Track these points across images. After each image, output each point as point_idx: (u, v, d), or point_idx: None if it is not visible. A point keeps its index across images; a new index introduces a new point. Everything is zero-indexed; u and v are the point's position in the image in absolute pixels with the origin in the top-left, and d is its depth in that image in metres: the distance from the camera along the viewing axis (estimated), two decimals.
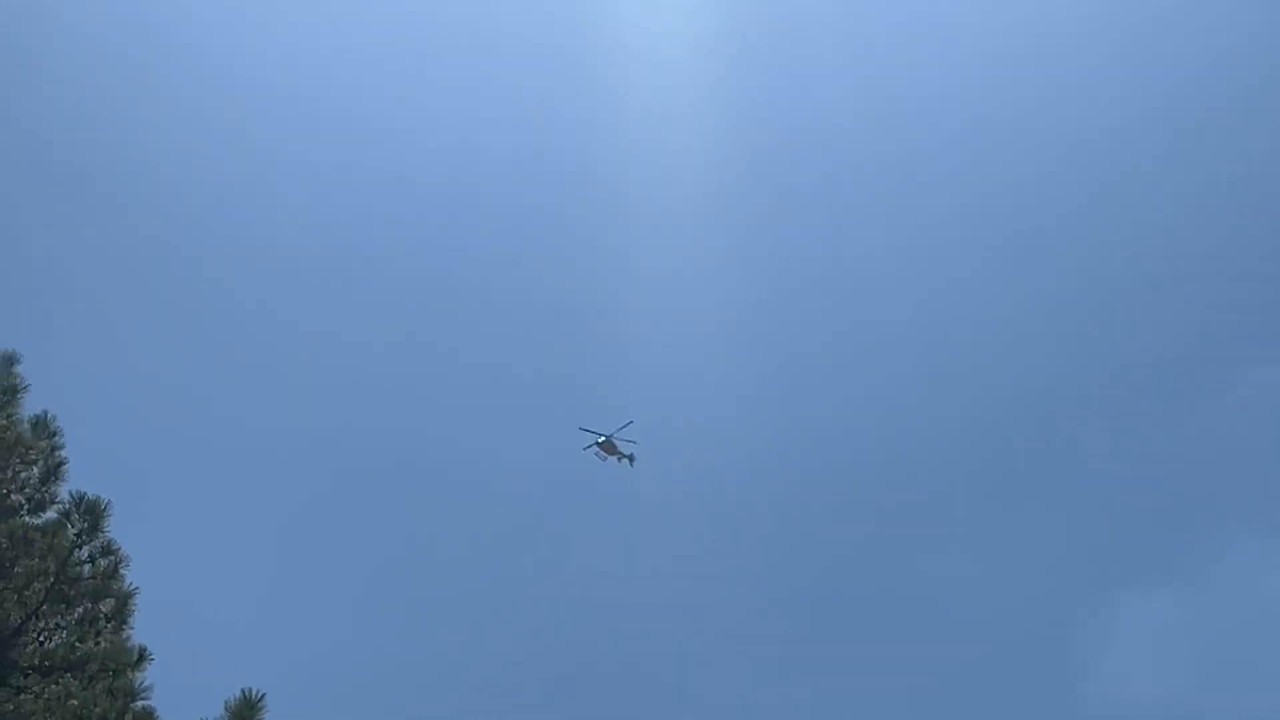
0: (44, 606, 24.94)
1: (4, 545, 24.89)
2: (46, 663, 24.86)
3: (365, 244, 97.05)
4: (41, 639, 25.16)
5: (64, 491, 26.14)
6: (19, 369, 25.97)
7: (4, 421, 25.70)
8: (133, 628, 25.55)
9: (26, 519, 25.83)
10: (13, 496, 26.00)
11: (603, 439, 75.72)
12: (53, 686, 24.41)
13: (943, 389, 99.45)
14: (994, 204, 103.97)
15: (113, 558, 25.40)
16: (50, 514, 26.07)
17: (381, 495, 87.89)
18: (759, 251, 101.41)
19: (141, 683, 25.19)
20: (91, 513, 25.21)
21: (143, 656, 25.29)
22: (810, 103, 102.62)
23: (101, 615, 25.26)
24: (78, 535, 25.24)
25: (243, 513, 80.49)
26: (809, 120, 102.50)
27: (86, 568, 25.29)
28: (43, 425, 26.03)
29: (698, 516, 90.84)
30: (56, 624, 25.20)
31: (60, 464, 26.28)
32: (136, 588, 25.67)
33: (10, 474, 25.97)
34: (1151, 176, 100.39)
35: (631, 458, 76.67)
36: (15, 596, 24.77)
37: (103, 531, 25.32)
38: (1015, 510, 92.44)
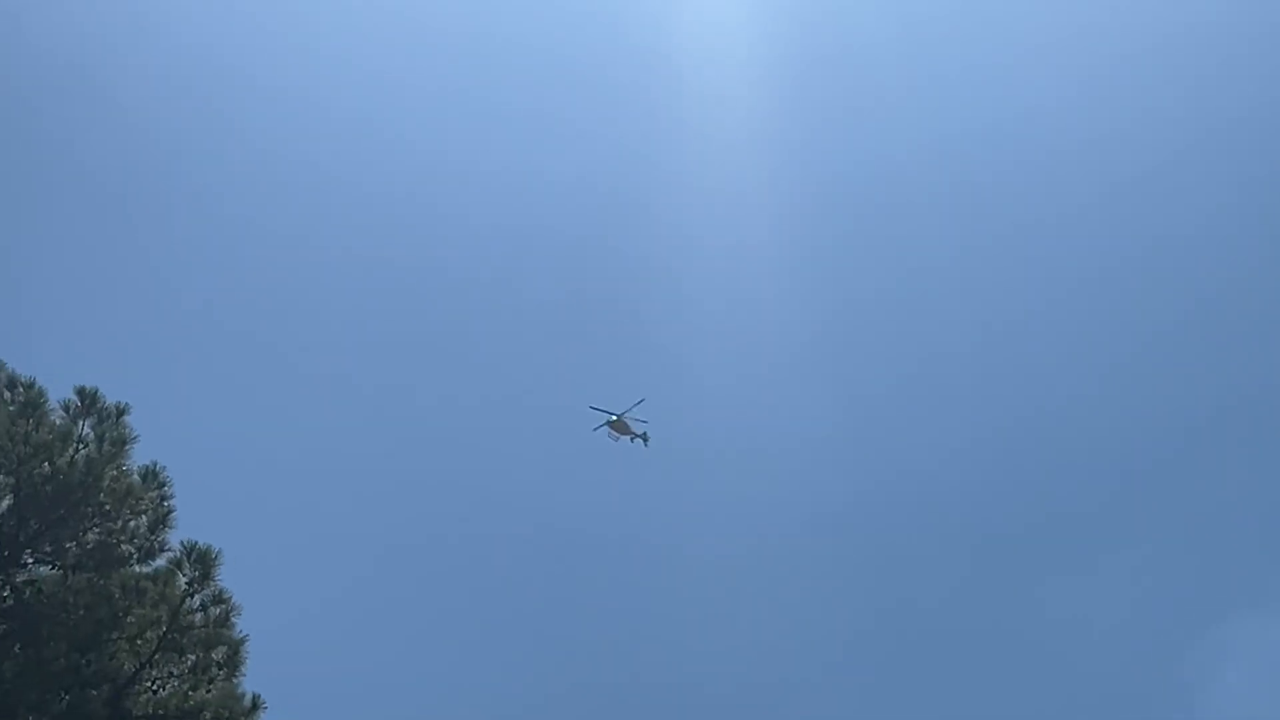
0: (157, 655, 25.11)
1: (116, 595, 25.09)
2: (160, 711, 25.00)
3: (428, 276, 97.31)
4: (155, 687, 25.32)
5: (173, 539, 26.43)
6: (128, 419, 26.29)
7: (114, 473, 25.98)
8: (244, 675, 25.68)
9: (136, 568, 26.07)
10: (122, 546, 26.27)
11: (614, 418, 74.34)
12: None
13: (1053, 414, 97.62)
14: (1082, 227, 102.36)
15: (224, 606, 25.53)
16: (159, 562, 26.31)
17: (478, 535, 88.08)
18: (826, 278, 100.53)
19: None
20: (202, 561, 25.39)
21: (256, 704, 25.39)
22: (874, 129, 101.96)
23: (214, 663, 25.37)
24: (189, 584, 25.42)
25: (347, 555, 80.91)
26: (874, 146, 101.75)
27: (198, 616, 25.45)
28: (152, 475, 26.34)
29: (796, 548, 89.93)
30: (169, 673, 25.35)
31: (169, 513, 26.55)
32: (247, 635, 25.84)
33: (120, 524, 26.25)
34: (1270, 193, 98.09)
35: (645, 437, 75.35)
36: (128, 645, 24.95)
37: (213, 580, 25.51)
38: (1129, 535, 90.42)
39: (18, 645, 24.46)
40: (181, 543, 25.79)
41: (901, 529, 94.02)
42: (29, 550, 25.63)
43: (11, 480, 25.41)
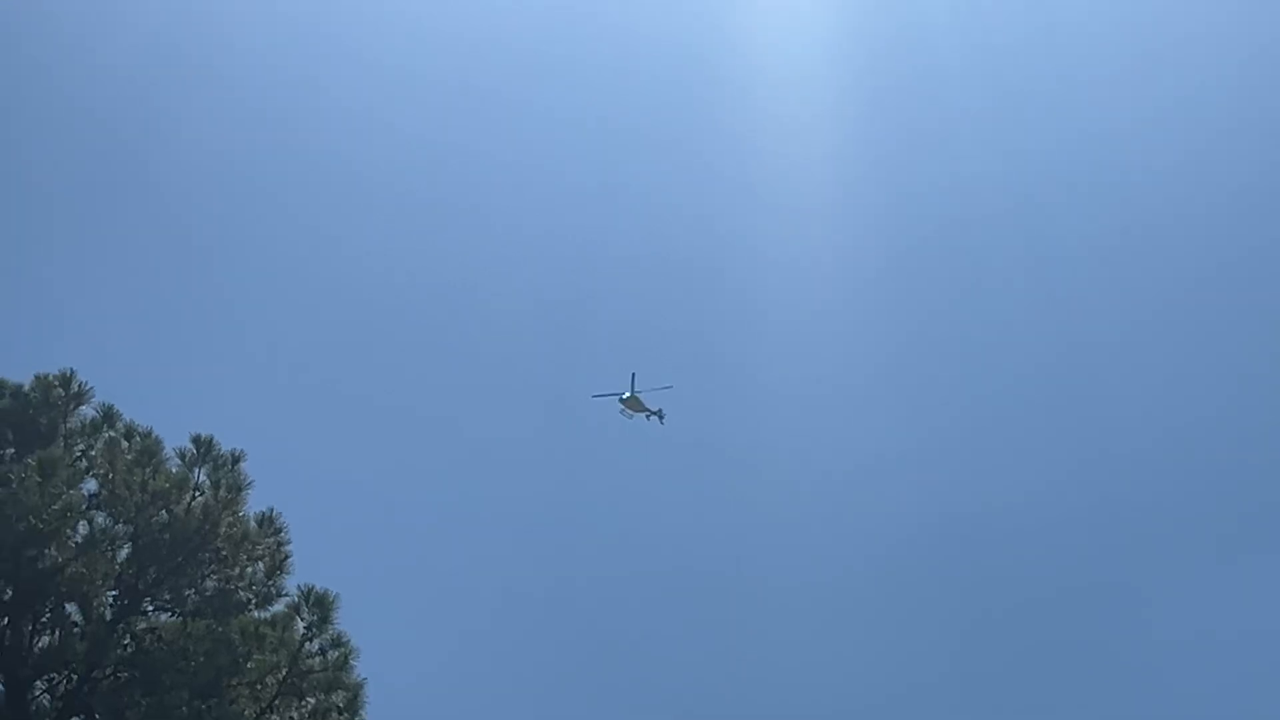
0: (277, 700, 25.02)
1: (236, 641, 25.20)
2: None
3: (508, 305, 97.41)
4: None
5: (290, 584, 26.59)
6: (244, 466, 26.54)
7: (231, 519, 26.20)
8: (364, 719, 25.70)
9: (255, 614, 26.24)
10: (240, 592, 26.45)
11: (626, 395, 74.17)
12: None
13: (1167, 433, 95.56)
14: (1197, 236, 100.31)
15: (343, 650, 25.50)
16: (277, 606, 26.44)
17: (581, 570, 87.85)
18: (898, 300, 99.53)
19: None
20: (320, 605, 25.46)
21: None
22: (951, 151, 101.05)
23: (334, 707, 25.37)
24: (308, 628, 25.48)
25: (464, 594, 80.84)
26: (949, 170, 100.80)
27: (317, 660, 25.49)
28: (268, 521, 26.55)
29: (894, 571, 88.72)
30: (290, 718, 25.35)
31: (285, 558, 26.72)
32: (366, 679, 25.86)
33: (238, 570, 26.44)
34: None
35: (660, 414, 75.13)
36: (249, 691, 24.98)
37: (332, 624, 25.57)
38: (1246, 556, 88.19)
39: (140, 693, 24.58)
40: (299, 587, 25.88)
41: (1020, 548, 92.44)
42: (148, 598, 25.77)
43: (130, 528, 25.60)
